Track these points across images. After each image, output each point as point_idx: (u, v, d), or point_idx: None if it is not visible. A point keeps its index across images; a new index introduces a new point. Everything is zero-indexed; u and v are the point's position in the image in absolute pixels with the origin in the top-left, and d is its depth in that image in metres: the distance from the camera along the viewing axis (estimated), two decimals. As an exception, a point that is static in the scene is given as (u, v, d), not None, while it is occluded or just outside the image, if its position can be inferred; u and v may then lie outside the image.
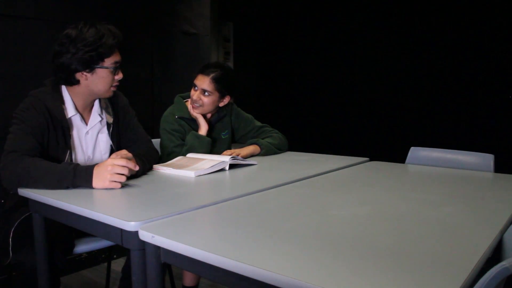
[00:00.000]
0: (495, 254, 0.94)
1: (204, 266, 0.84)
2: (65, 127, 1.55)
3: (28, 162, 1.37)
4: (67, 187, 1.34)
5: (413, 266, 0.76)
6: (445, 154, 1.93)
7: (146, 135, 1.82)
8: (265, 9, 5.08)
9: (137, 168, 1.42)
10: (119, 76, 1.61)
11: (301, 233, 0.95)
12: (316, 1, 4.69)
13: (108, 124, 1.71)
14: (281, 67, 5.07)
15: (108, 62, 1.55)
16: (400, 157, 2.02)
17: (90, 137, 1.66)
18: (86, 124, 1.64)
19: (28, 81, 1.71)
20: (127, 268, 1.75)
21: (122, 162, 1.36)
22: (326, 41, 4.66)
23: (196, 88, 1.98)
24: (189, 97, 2.06)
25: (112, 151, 1.70)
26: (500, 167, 1.77)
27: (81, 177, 1.34)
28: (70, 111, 1.58)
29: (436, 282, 0.70)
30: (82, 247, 1.64)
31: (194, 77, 2.00)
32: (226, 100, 2.04)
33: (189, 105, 2.04)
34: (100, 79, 1.56)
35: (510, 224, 1.00)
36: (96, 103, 1.66)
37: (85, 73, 1.53)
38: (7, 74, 2.33)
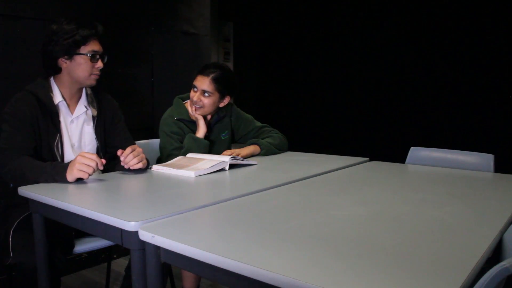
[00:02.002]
0: (495, 254, 0.94)
1: (204, 266, 0.84)
2: (54, 112, 1.67)
3: (19, 162, 1.51)
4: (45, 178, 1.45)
5: (413, 266, 0.76)
6: (445, 154, 1.93)
7: (132, 139, 1.91)
8: (265, 9, 5.08)
9: (101, 167, 1.48)
10: (99, 65, 1.72)
11: (301, 233, 0.95)
12: (316, 1, 4.69)
13: (93, 117, 1.81)
14: (281, 67, 5.07)
15: (85, 49, 1.68)
16: (400, 157, 2.02)
17: (75, 126, 1.76)
18: (72, 113, 1.75)
19: (28, 81, 1.71)
20: (129, 268, 1.76)
21: (92, 156, 1.46)
22: (326, 41, 4.66)
23: (195, 89, 1.96)
24: (188, 98, 2.05)
25: (96, 145, 1.81)
26: (500, 167, 1.77)
27: (58, 172, 1.44)
28: (57, 97, 1.71)
29: (436, 282, 0.70)
30: (82, 247, 1.64)
31: (193, 78, 1.99)
32: (226, 100, 2.03)
33: (188, 106, 2.03)
34: (78, 66, 1.69)
35: (510, 224, 1.00)
36: (83, 95, 1.79)
37: (64, 59, 1.68)
38: (7, 74, 2.33)
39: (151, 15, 3.07)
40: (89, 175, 1.43)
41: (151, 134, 2.97)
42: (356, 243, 0.88)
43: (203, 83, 1.94)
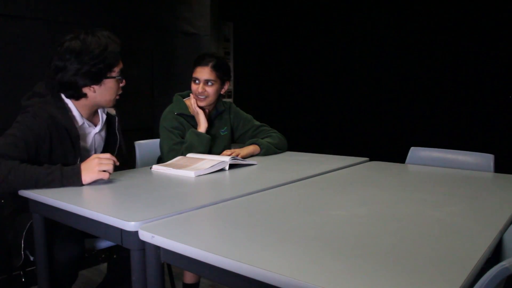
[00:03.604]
0: (495, 254, 0.94)
1: (204, 266, 0.84)
2: (74, 135, 1.51)
3: (16, 167, 1.33)
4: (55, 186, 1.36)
5: (413, 266, 0.76)
6: (445, 154, 1.93)
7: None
8: (265, 9, 5.08)
9: (117, 163, 1.44)
10: (123, 83, 1.60)
11: (301, 233, 0.95)
12: (316, 1, 4.69)
13: (112, 116, 1.71)
14: (281, 67, 5.07)
15: (115, 71, 1.53)
16: (400, 157, 2.02)
17: (99, 136, 1.67)
18: (95, 126, 1.64)
19: (28, 81, 1.70)
20: (113, 263, 1.76)
21: (107, 156, 1.41)
22: (326, 41, 4.66)
23: (197, 81, 1.99)
24: (187, 96, 2.06)
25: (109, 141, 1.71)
26: (500, 167, 1.77)
27: (68, 176, 1.35)
28: (79, 120, 1.56)
29: (436, 282, 0.70)
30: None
31: (192, 72, 2.01)
32: (226, 86, 2.07)
33: (188, 102, 2.04)
34: (107, 90, 1.54)
35: (510, 224, 1.00)
36: None
37: (93, 86, 1.50)
38: (7, 74, 2.33)
39: (151, 15, 3.07)
40: (110, 174, 1.40)
41: (151, 134, 2.97)
42: (356, 243, 0.88)
43: (204, 73, 1.97)
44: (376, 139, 4.32)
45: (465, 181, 1.56)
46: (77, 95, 1.51)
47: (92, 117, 1.65)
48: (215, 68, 1.98)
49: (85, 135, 1.61)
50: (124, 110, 1.94)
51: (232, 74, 2.14)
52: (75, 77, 1.46)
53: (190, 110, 2.03)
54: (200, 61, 2.00)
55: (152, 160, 2.13)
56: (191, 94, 2.03)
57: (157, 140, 2.11)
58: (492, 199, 1.28)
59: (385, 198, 1.28)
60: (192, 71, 2.03)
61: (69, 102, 1.54)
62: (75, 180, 1.36)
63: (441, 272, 0.73)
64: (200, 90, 1.98)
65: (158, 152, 2.11)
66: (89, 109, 1.59)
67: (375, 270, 0.74)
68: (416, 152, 2.00)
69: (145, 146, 2.19)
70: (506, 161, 2.12)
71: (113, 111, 1.72)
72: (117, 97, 1.60)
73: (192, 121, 2.03)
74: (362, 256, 0.81)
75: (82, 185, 1.38)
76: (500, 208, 1.14)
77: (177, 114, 2.00)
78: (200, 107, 2.01)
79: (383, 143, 4.19)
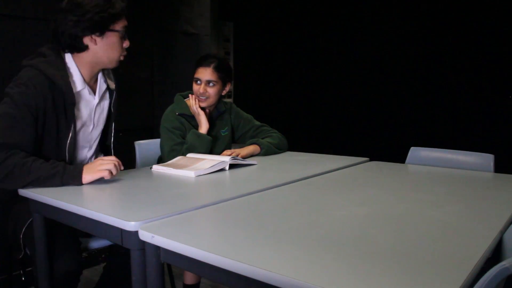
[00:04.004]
0: (495, 254, 0.94)
1: (204, 266, 0.84)
2: (70, 103, 1.44)
3: (17, 162, 1.30)
4: (53, 181, 1.35)
5: (413, 266, 0.76)
6: (445, 154, 1.93)
7: None
8: (265, 9, 5.08)
9: (122, 168, 1.44)
10: (127, 43, 1.53)
11: (301, 233, 0.95)
12: (316, 1, 4.69)
13: (110, 91, 1.66)
14: (281, 67, 5.07)
15: (119, 25, 1.47)
16: (400, 157, 2.02)
17: (100, 107, 1.61)
18: (94, 94, 1.56)
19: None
20: (109, 263, 1.76)
21: (111, 157, 1.42)
22: (326, 41, 4.66)
23: (199, 82, 1.99)
24: (188, 96, 2.06)
25: (109, 119, 1.68)
26: (500, 167, 1.77)
27: (69, 172, 1.35)
28: (79, 84, 1.48)
29: (436, 282, 0.70)
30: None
31: (193, 72, 2.02)
32: (227, 87, 2.08)
33: (189, 102, 2.04)
34: (110, 46, 1.47)
35: (510, 224, 1.00)
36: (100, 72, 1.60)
37: (94, 37, 1.43)
38: (7, 74, 2.32)
39: (151, 15, 3.07)
40: (111, 173, 1.39)
41: (151, 134, 2.97)
42: (356, 243, 0.88)
43: (206, 73, 1.97)
44: (376, 139, 4.32)
45: (465, 181, 1.56)
46: (79, 47, 1.44)
47: (94, 83, 1.57)
48: (217, 69, 1.99)
49: (84, 105, 1.54)
50: (124, 110, 1.93)
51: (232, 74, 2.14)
52: (76, 27, 1.40)
53: (191, 110, 2.03)
54: (202, 62, 2.00)
55: (152, 160, 2.13)
56: (190, 95, 2.03)
57: (157, 140, 2.11)
58: (492, 199, 1.28)
59: (385, 198, 1.28)
60: (192, 71, 2.03)
61: (71, 66, 1.48)
62: (76, 177, 1.36)
63: (441, 272, 0.73)
64: (201, 90, 1.98)
65: (158, 152, 2.11)
66: (90, 67, 1.51)
67: (375, 270, 0.74)
68: (416, 152, 2.00)
69: (145, 146, 2.19)
70: (506, 161, 2.11)
71: (112, 85, 1.65)
72: (121, 58, 1.54)
73: (193, 121, 2.03)
74: (362, 256, 0.81)
75: (81, 184, 1.37)
76: (500, 208, 1.14)
77: (178, 115, 2.01)
78: (201, 108, 2.01)
79: (383, 143, 4.19)
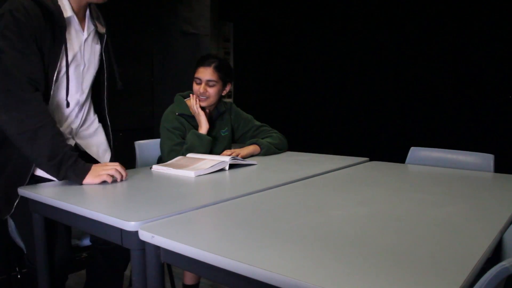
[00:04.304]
0: (495, 254, 0.94)
1: (204, 266, 0.84)
2: (61, 25, 1.36)
3: (37, 120, 1.27)
4: (57, 173, 1.34)
5: (413, 266, 0.76)
6: (445, 154, 1.93)
7: None
8: (265, 9, 5.08)
9: (125, 174, 1.46)
10: None
11: (301, 233, 0.95)
12: (316, 1, 4.69)
13: (100, 35, 1.60)
14: (281, 67, 5.07)
15: None
16: (400, 157, 2.02)
17: (89, 46, 1.55)
18: (83, 30, 1.50)
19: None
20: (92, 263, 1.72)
21: (116, 164, 1.44)
22: (326, 41, 4.66)
23: (199, 81, 1.99)
24: (188, 96, 2.06)
25: (102, 65, 1.64)
26: (500, 167, 1.77)
27: (76, 166, 1.36)
28: (68, 10, 1.41)
29: (436, 282, 0.70)
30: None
31: (194, 72, 2.02)
32: (228, 88, 2.08)
33: (189, 102, 2.04)
34: None
35: (510, 224, 1.00)
36: (87, 12, 1.53)
37: None
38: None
39: (151, 15, 3.07)
40: (112, 177, 1.41)
41: (151, 134, 2.97)
42: (356, 243, 0.88)
43: (206, 73, 1.98)
44: (376, 139, 4.32)
45: (465, 181, 1.56)
46: None
47: (82, 18, 1.51)
48: (218, 69, 1.99)
49: (74, 35, 1.47)
50: (124, 110, 1.93)
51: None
52: None
53: (191, 110, 2.03)
54: (203, 62, 2.01)
55: (152, 160, 2.13)
56: (191, 94, 2.03)
57: (157, 140, 2.11)
58: (492, 199, 1.28)
59: (385, 198, 1.28)
60: (192, 71, 2.03)
61: None
62: (79, 175, 1.36)
63: (441, 272, 0.73)
64: (202, 90, 1.98)
65: (158, 152, 2.11)
66: (77, 1, 1.45)
67: (375, 270, 0.74)
68: (416, 152, 2.00)
69: (145, 146, 2.19)
70: (506, 161, 2.12)
71: (102, 29, 1.60)
72: None
73: (193, 121, 2.03)
74: (362, 256, 0.81)
75: (81, 183, 1.38)
76: (500, 208, 1.14)
77: (178, 115, 2.01)
78: (201, 108, 2.01)
79: (383, 143, 4.19)
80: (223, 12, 4.52)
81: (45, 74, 1.37)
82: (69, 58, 1.46)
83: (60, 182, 1.42)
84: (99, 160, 1.67)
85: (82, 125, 1.66)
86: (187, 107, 2.04)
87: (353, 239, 0.91)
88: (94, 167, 1.41)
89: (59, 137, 1.36)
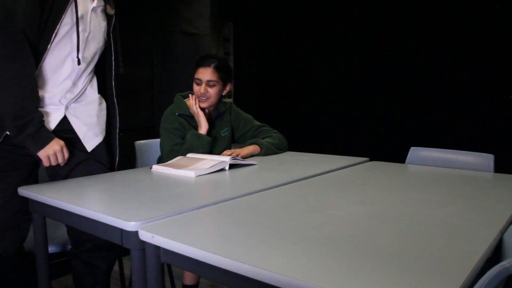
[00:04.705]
0: (495, 254, 0.94)
1: (204, 266, 0.84)
2: None
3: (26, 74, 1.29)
4: (17, 135, 1.34)
5: (413, 266, 0.76)
6: (445, 154, 1.93)
7: None
8: (265, 9, 5.08)
9: (66, 156, 1.44)
10: None
11: (301, 233, 0.95)
12: (316, 1, 4.69)
13: (108, 16, 1.60)
14: (281, 67, 5.07)
15: None
16: (400, 157, 2.02)
17: (95, 17, 1.54)
18: (93, 1, 1.51)
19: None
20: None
21: (62, 146, 1.43)
22: (326, 41, 4.66)
23: (199, 82, 1.99)
24: (188, 96, 2.06)
25: (108, 43, 1.63)
26: (500, 167, 1.77)
27: (37, 137, 1.35)
28: None
29: (436, 282, 0.70)
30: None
31: (194, 73, 2.01)
32: (228, 87, 2.08)
33: (189, 103, 2.04)
34: None
35: (510, 224, 1.00)
36: None
37: None
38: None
39: (151, 15, 3.07)
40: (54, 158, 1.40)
41: (151, 134, 2.97)
42: (356, 243, 0.88)
43: (207, 74, 1.97)
44: (376, 139, 4.32)
45: (465, 181, 1.56)
46: None
47: None
48: (218, 69, 1.99)
49: (83, 1, 1.47)
50: (124, 110, 1.93)
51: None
52: None
53: (191, 111, 2.03)
54: (202, 62, 2.00)
55: (152, 160, 2.13)
56: (190, 95, 2.03)
57: (157, 140, 2.11)
58: (492, 199, 1.28)
59: (385, 198, 1.28)
60: (192, 71, 2.03)
61: None
62: (37, 144, 1.36)
63: (441, 272, 0.73)
64: (202, 91, 1.98)
65: (158, 152, 2.11)
66: None
67: (375, 270, 0.74)
68: (416, 152, 2.00)
69: (145, 146, 2.19)
70: (506, 161, 2.12)
71: (111, 10, 1.60)
72: None
73: (192, 121, 2.03)
74: (362, 256, 0.81)
75: (36, 151, 1.38)
76: (500, 208, 1.14)
77: (178, 115, 2.01)
78: (201, 108, 2.01)
79: (383, 143, 4.19)
80: (223, 12, 4.52)
81: (44, 27, 1.35)
82: (74, 17, 1.42)
83: (60, 182, 1.43)
84: (83, 143, 1.62)
85: (77, 98, 1.58)
86: (186, 107, 2.04)
87: (353, 239, 0.91)
88: (54, 142, 1.40)
89: (32, 98, 1.31)
